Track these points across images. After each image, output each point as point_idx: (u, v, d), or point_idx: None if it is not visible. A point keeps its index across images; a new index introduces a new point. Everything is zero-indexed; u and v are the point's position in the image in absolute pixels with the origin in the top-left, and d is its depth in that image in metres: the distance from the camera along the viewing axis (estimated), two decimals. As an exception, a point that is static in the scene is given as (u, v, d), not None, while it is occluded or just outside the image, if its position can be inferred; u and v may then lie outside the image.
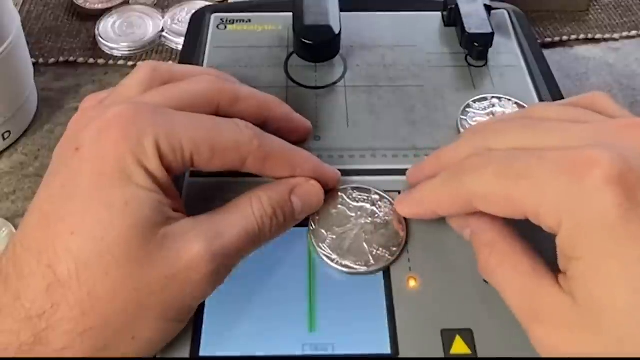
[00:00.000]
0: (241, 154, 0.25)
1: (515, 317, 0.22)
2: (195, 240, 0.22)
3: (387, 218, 0.27)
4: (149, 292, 0.22)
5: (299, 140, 0.31)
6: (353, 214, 0.28)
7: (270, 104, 0.29)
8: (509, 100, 0.33)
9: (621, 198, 0.19)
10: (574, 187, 0.20)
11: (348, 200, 0.28)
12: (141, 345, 0.22)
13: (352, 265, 0.26)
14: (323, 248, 0.26)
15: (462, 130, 0.32)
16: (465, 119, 0.32)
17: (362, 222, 0.27)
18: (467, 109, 0.33)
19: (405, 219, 0.27)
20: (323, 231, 0.27)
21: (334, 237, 0.27)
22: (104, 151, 0.23)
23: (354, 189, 0.29)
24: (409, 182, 0.29)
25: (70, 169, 0.23)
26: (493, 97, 0.33)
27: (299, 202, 0.26)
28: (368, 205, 0.28)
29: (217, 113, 0.27)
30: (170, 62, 0.44)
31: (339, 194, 0.28)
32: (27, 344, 0.21)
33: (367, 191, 0.28)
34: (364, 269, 0.26)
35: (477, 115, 0.32)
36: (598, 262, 0.20)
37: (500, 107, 0.33)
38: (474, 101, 0.33)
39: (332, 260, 0.26)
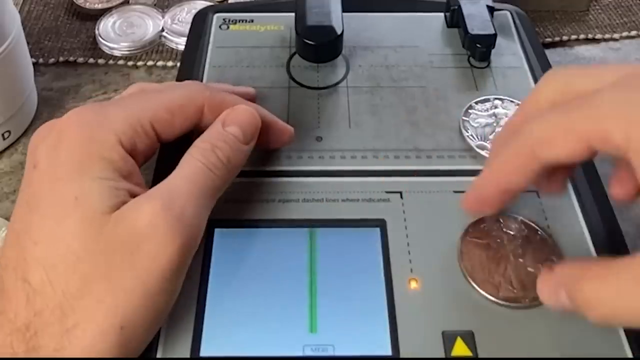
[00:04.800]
0: (197, 106, 0.26)
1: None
2: (147, 204, 0.23)
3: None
4: (121, 274, 0.22)
5: (282, 144, 0.30)
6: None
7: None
8: (512, 101, 0.33)
9: None
10: (636, 97, 0.19)
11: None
12: (132, 332, 0.22)
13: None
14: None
15: (464, 131, 0.32)
16: (468, 120, 0.32)
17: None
18: (470, 110, 0.33)
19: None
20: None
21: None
22: (60, 157, 0.24)
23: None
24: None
25: (31, 186, 0.24)
26: (495, 98, 0.33)
27: (235, 127, 0.26)
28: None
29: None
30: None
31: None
32: (22, 352, 0.21)
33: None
34: None
35: (480, 116, 0.32)
36: None
37: (503, 108, 0.33)
38: (477, 102, 0.33)
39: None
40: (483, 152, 0.31)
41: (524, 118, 0.24)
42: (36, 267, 0.22)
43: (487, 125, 0.32)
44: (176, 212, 0.23)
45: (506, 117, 0.32)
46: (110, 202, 0.23)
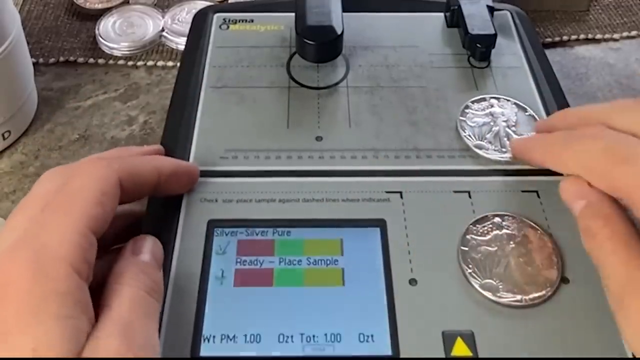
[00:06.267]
0: (117, 185, 0.24)
1: (609, 292, 0.23)
2: (111, 344, 0.20)
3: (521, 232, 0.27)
4: None
5: (190, 186, 0.29)
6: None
7: (160, 167, 0.27)
8: (508, 100, 0.33)
9: None
10: None
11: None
12: None
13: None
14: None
15: (461, 131, 0.32)
16: (465, 120, 0.32)
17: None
18: (466, 110, 0.33)
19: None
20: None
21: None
22: (5, 311, 0.20)
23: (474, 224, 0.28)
24: (536, 129, 0.31)
25: None
26: (492, 97, 0.33)
27: (146, 255, 0.25)
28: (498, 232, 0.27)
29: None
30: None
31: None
32: None
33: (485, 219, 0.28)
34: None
35: (476, 116, 0.32)
36: None
37: (499, 107, 0.33)
38: (473, 102, 0.33)
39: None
40: (481, 152, 0.31)
41: (583, 119, 0.27)
42: None
43: (484, 124, 0.32)
44: (137, 345, 0.21)
45: (503, 115, 0.32)
46: (74, 346, 0.20)
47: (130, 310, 0.22)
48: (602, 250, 0.24)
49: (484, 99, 0.33)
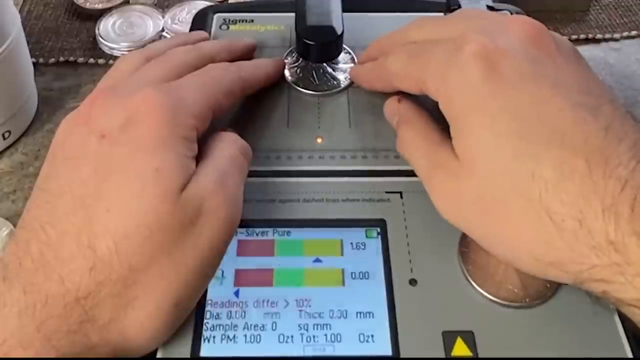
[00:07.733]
0: (238, 89, 0.30)
1: (419, 176, 0.27)
2: (208, 184, 0.24)
3: None
4: (183, 251, 0.23)
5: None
6: None
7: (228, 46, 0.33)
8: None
9: (484, 67, 0.24)
10: (449, 61, 0.25)
11: None
12: (182, 310, 0.23)
13: None
14: None
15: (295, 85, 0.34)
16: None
17: None
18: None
19: None
20: None
21: None
22: (140, 131, 0.24)
23: None
24: (361, 59, 0.34)
25: (100, 155, 0.24)
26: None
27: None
28: None
29: None
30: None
31: None
32: (76, 323, 0.21)
33: None
34: None
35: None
36: (466, 117, 0.24)
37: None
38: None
39: None
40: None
41: (392, 43, 0.31)
42: (105, 236, 0.22)
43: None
44: (229, 193, 0.25)
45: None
46: (184, 179, 0.24)
47: (228, 164, 0.26)
48: (409, 149, 0.28)
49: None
